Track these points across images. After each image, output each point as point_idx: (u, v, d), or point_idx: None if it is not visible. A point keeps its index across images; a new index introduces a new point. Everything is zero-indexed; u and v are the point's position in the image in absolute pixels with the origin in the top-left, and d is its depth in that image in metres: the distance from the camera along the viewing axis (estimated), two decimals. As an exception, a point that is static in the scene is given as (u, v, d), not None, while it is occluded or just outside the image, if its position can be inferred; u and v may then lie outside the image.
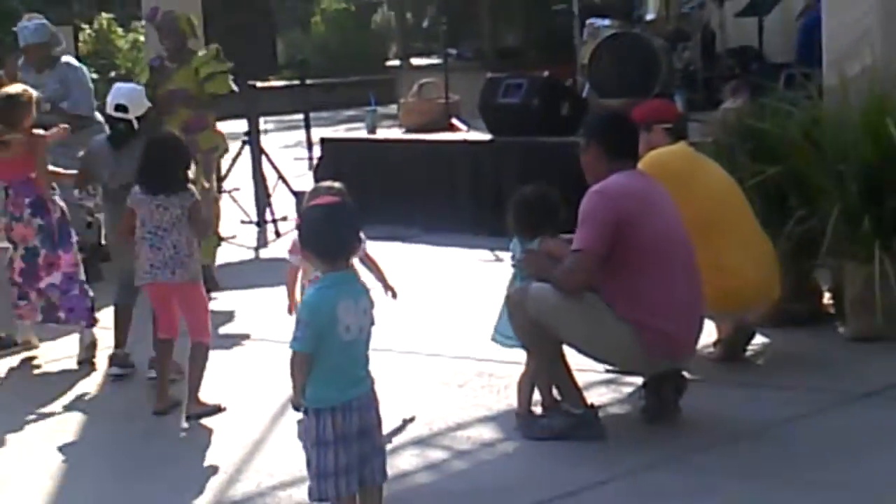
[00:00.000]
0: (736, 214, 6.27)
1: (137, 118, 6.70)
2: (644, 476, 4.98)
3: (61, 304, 7.21)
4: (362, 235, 6.40)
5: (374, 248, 9.92)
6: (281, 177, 11.94)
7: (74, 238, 7.33)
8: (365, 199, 11.26)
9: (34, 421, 6.21)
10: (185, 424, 5.95)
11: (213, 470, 5.37)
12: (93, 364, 7.06)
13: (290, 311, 5.99)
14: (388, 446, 5.39)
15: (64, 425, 6.12)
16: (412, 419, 5.80)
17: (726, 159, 6.76)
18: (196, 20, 9.78)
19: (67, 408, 6.41)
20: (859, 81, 6.56)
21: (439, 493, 4.97)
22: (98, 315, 7.28)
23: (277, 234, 11.08)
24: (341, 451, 4.21)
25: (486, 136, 10.59)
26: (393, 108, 12.58)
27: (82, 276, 7.29)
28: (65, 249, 7.21)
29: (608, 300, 5.36)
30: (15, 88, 7.38)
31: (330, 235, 4.30)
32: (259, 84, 12.51)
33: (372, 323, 4.37)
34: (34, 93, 7.39)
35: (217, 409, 6.07)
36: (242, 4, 11.31)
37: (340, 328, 4.21)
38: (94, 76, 15.22)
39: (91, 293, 7.27)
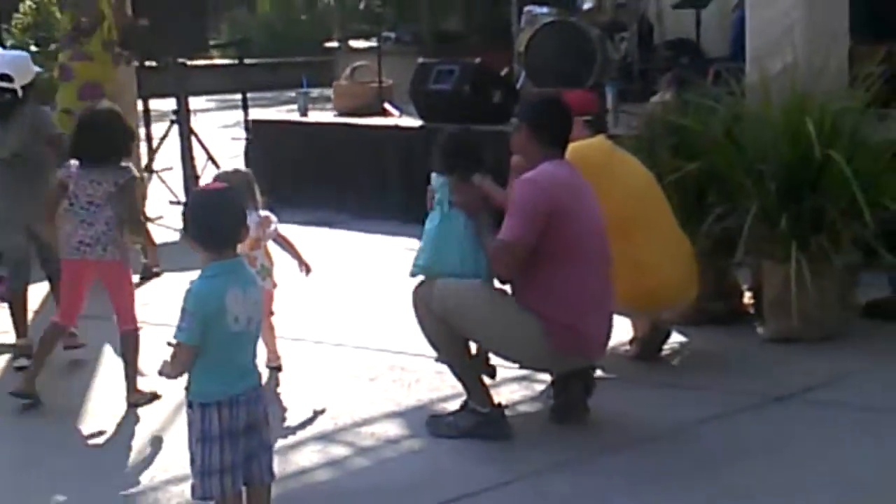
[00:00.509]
0: (654, 211, 6.17)
1: (23, 87, 6.47)
2: (549, 477, 4.87)
3: None
4: (272, 216, 6.34)
5: (300, 233, 9.94)
6: (210, 157, 11.74)
7: None
8: (296, 183, 11.22)
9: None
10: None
11: (109, 463, 5.22)
12: None
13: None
14: (289, 441, 5.35)
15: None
16: (322, 412, 5.68)
17: (647, 154, 6.66)
18: None
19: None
20: (781, 79, 6.46)
21: (338, 492, 4.84)
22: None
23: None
24: (227, 447, 4.06)
25: (417, 122, 10.44)
26: (332, 91, 12.40)
27: None
28: None
29: (519, 291, 5.26)
30: None
31: (214, 223, 4.13)
32: (191, 63, 12.36)
33: (262, 313, 4.22)
34: None
35: (154, 397, 5.87)
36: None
37: (229, 318, 4.05)
38: (35, 49, 14.99)
39: None
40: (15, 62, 6.59)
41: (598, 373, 6.01)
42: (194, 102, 19.58)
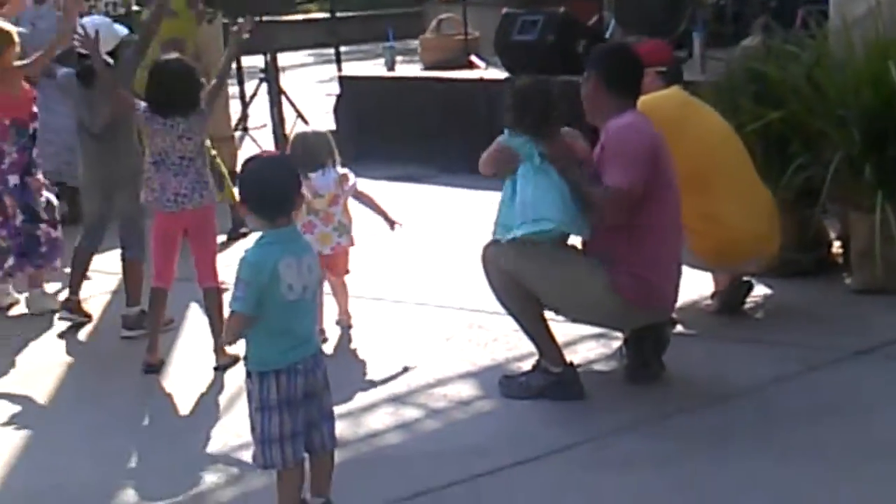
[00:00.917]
0: (731, 163, 6.02)
1: (108, 53, 6.46)
2: (613, 440, 4.81)
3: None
4: (350, 173, 6.33)
5: (385, 188, 9.95)
6: (299, 114, 11.77)
7: (14, 182, 7.00)
8: (384, 138, 11.18)
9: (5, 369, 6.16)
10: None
11: (185, 427, 5.28)
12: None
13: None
14: (363, 403, 5.34)
15: (37, 376, 6.03)
16: (397, 373, 5.67)
17: (728, 102, 6.50)
18: None
19: (37, 358, 6.33)
20: (864, 23, 6.24)
21: (405, 455, 4.83)
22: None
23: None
24: (286, 415, 4.06)
25: (502, 74, 10.33)
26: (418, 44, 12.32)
27: (18, 224, 7.01)
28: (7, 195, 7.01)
29: (596, 240, 5.16)
30: None
31: (267, 191, 4.11)
32: (281, 18, 12.37)
33: (319, 281, 4.20)
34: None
35: (236, 360, 5.78)
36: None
37: (283, 287, 4.03)
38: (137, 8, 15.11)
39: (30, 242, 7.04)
40: (98, 29, 6.59)
41: (678, 328, 5.96)
42: (292, 58, 19.86)
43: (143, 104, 5.99)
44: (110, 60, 6.47)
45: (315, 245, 6.09)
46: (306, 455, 4.17)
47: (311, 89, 15.14)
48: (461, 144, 10.45)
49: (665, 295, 5.23)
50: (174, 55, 6.35)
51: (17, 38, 7.01)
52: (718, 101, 6.47)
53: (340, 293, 6.41)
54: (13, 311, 7.14)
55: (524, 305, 5.25)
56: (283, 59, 19.54)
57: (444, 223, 8.63)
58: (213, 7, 9.15)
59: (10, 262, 7.02)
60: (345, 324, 6.38)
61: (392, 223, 6.33)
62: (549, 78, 5.55)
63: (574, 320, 5.48)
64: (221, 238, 7.72)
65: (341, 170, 6.32)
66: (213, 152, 8.54)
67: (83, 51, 6.44)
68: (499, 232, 5.31)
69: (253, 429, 4.12)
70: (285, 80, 16.91)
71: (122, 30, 6.74)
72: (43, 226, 7.08)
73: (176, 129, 5.91)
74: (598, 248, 5.17)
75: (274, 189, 4.13)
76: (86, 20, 6.65)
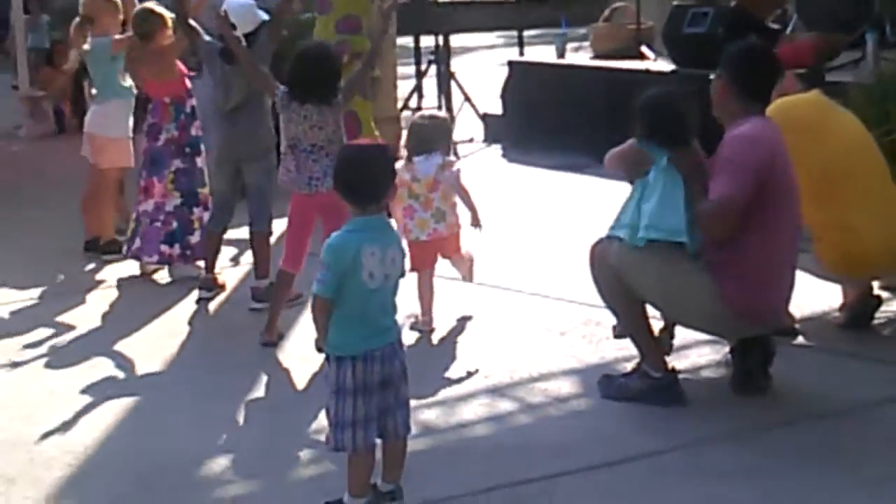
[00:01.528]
0: (866, 171, 5.80)
1: (246, 35, 6.58)
2: (702, 450, 4.69)
3: (144, 233, 7.23)
4: (454, 161, 6.34)
5: (544, 176, 9.93)
6: (467, 97, 11.84)
7: (175, 167, 7.24)
8: (551, 126, 11.15)
9: (133, 337, 6.33)
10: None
11: (287, 402, 5.37)
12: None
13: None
14: (460, 392, 5.36)
15: (161, 342, 6.22)
16: (502, 365, 5.65)
17: (878, 107, 6.27)
18: None
19: (169, 325, 6.51)
20: None
21: (488, 448, 4.80)
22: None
23: (457, 156, 10.96)
24: (360, 401, 4.10)
25: (669, 67, 10.16)
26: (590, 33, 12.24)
27: (171, 209, 7.24)
28: (159, 177, 7.25)
29: (707, 251, 5.05)
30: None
31: (362, 178, 4.15)
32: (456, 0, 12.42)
33: (402, 273, 4.22)
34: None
35: None
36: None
37: (364, 274, 4.07)
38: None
39: (183, 227, 7.22)
40: (237, 11, 6.71)
41: (799, 339, 5.80)
42: (480, 39, 19.97)
43: (281, 88, 6.09)
44: (243, 41, 6.55)
45: (414, 231, 6.20)
46: (379, 441, 4.21)
47: (493, 71, 15.13)
48: (624, 136, 10.33)
49: (772, 307, 5.08)
50: (318, 41, 6.47)
51: (169, 21, 7.24)
52: (867, 105, 6.25)
53: (426, 287, 6.29)
54: (156, 276, 7.38)
55: (628, 306, 5.18)
56: (470, 39, 19.86)
57: (589, 215, 8.52)
58: None
59: (153, 249, 7.20)
60: (427, 327, 6.28)
61: (478, 224, 6.26)
62: (676, 91, 5.40)
63: (677, 324, 5.37)
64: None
65: (449, 157, 6.33)
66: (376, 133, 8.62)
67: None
68: (620, 230, 5.24)
69: (328, 411, 4.17)
70: (464, 62, 17.16)
71: (263, 15, 6.80)
72: (197, 210, 7.28)
73: (309, 119, 5.98)
74: (707, 254, 5.05)
75: (365, 177, 4.17)
76: (229, 1, 6.79)
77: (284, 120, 6.07)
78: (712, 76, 5.31)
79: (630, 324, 5.23)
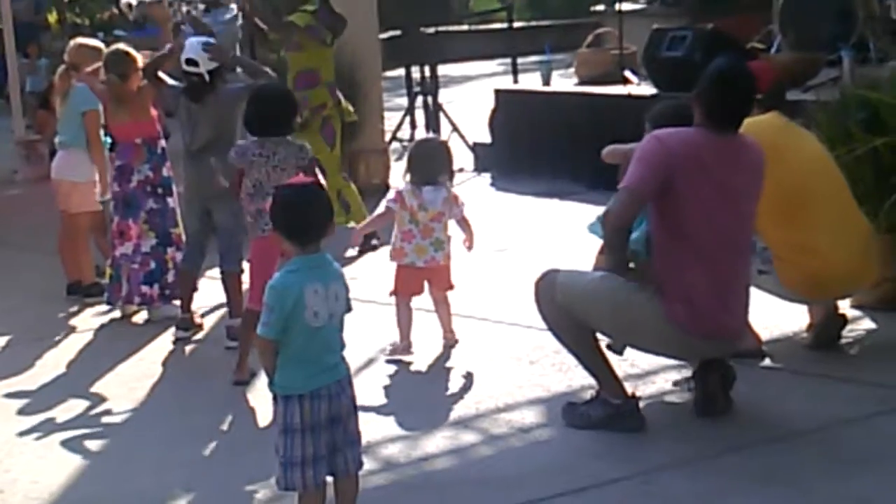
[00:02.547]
0: (826, 192, 5.82)
1: (209, 72, 6.67)
2: (664, 475, 4.71)
3: (129, 277, 7.26)
4: (460, 197, 6.39)
5: (525, 204, 9.96)
6: (455, 128, 11.88)
7: (149, 207, 7.27)
8: (536, 153, 11.18)
9: (109, 379, 6.35)
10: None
11: (252, 441, 5.38)
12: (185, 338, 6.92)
13: (351, 244, 6.57)
14: (424, 426, 5.37)
15: (135, 383, 6.25)
16: (467, 396, 5.68)
17: (839, 127, 6.29)
18: None
19: (143, 366, 6.53)
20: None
21: (448, 482, 4.82)
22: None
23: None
24: (308, 439, 4.13)
25: (650, 91, 10.20)
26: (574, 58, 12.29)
27: (147, 249, 7.28)
28: (134, 219, 7.28)
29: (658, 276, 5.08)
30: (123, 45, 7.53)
31: (298, 218, 4.19)
32: (445, 29, 12.48)
33: (347, 309, 4.25)
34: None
35: None
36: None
37: (308, 314, 4.11)
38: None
39: (160, 267, 7.26)
40: (199, 48, 6.79)
41: (767, 361, 5.81)
42: (475, 67, 20.03)
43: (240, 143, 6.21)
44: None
45: (410, 255, 6.26)
46: (331, 479, 4.24)
47: (487, 100, 15.20)
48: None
49: (722, 325, 5.07)
50: (273, 81, 6.65)
51: (140, 62, 7.30)
52: (830, 124, 6.27)
53: (443, 310, 6.46)
54: (135, 318, 7.43)
55: (578, 337, 5.21)
56: (468, 68, 19.95)
57: (570, 241, 8.55)
58: (337, 33, 9.04)
59: (134, 291, 7.25)
60: (450, 341, 6.43)
61: (470, 245, 6.44)
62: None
63: (632, 346, 5.39)
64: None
65: (453, 189, 6.39)
66: (344, 180, 8.70)
67: (188, 68, 6.67)
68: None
69: (276, 451, 4.19)
70: (462, 91, 17.24)
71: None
72: (170, 249, 7.33)
73: (271, 160, 5.98)
74: (652, 276, 5.07)
75: (304, 216, 4.20)
76: (192, 39, 6.89)
77: (247, 165, 6.04)
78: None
79: (582, 354, 5.25)
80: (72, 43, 7.97)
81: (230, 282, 6.72)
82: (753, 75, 5.35)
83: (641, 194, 4.99)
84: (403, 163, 6.73)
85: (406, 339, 6.32)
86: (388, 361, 6.25)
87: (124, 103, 7.24)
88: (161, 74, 6.93)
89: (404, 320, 6.33)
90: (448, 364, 6.19)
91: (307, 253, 4.19)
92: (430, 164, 6.36)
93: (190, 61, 6.69)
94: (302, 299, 4.11)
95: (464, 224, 6.45)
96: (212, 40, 6.97)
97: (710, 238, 4.98)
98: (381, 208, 6.44)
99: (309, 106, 8.40)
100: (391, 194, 6.38)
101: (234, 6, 9.96)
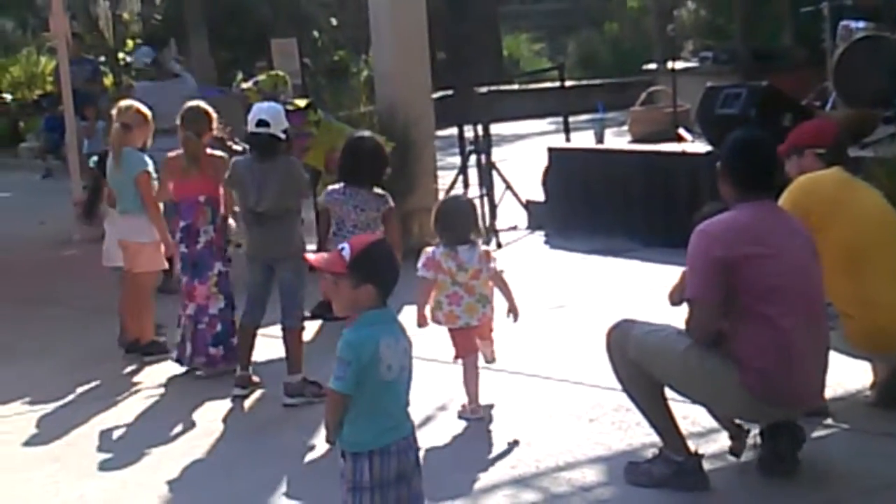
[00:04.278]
0: (890, 245, 5.77)
1: (283, 131, 6.84)
2: (726, 535, 4.66)
3: (192, 337, 7.33)
4: (492, 252, 6.40)
5: (581, 262, 9.94)
6: (509, 186, 11.90)
7: (218, 269, 7.38)
8: (590, 210, 11.18)
9: (169, 437, 6.40)
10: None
11: (309, 499, 5.39)
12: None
13: (420, 324, 6.21)
14: (485, 483, 5.35)
15: (194, 441, 6.28)
16: (528, 454, 5.64)
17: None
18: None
19: (204, 424, 6.56)
20: None
21: (510, 540, 4.81)
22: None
23: (499, 245, 10.99)
24: (378, 497, 4.11)
25: (705, 148, 10.18)
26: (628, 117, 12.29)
27: (215, 311, 7.36)
28: (201, 280, 7.35)
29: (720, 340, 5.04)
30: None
31: (379, 274, 4.18)
32: (496, 89, 12.53)
33: (411, 362, 4.24)
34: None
35: None
36: (468, 14, 11.35)
37: (382, 367, 4.10)
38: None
39: (227, 329, 7.31)
40: (270, 110, 6.91)
41: (828, 421, 5.74)
42: (529, 126, 20.10)
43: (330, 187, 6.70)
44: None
45: (463, 317, 6.26)
46: (393, 535, 4.21)
47: (540, 158, 15.24)
48: (664, 218, 10.37)
49: (798, 394, 5.02)
50: (367, 133, 7.00)
51: (216, 121, 7.44)
52: (889, 179, 6.23)
53: (472, 375, 6.35)
54: (198, 372, 7.46)
55: (647, 391, 5.18)
56: (521, 126, 20.01)
57: (626, 298, 8.53)
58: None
59: (200, 352, 7.34)
60: (475, 415, 6.30)
61: (515, 314, 6.34)
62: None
63: (701, 406, 5.34)
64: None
65: (483, 247, 6.41)
66: None
67: (259, 129, 6.79)
68: None
69: (345, 508, 4.18)
70: (515, 149, 17.27)
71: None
72: (237, 312, 7.33)
73: (353, 199, 6.59)
74: (727, 343, 5.02)
75: (384, 273, 4.20)
76: (260, 105, 7.00)
77: (332, 204, 6.69)
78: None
79: (648, 409, 5.22)
80: (123, 104, 8.03)
81: (291, 338, 6.75)
82: (772, 141, 5.36)
83: (711, 301, 4.96)
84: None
85: (475, 401, 6.30)
86: (461, 418, 6.26)
87: (196, 160, 7.34)
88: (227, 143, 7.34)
89: (472, 382, 6.32)
90: (507, 422, 6.16)
91: (380, 308, 4.20)
92: (460, 222, 6.34)
93: (262, 122, 6.80)
94: (377, 353, 4.10)
95: (499, 282, 6.38)
96: (278, 106, 7.09)
97: (783, 307, 4.92)
98: (421, 283, 6.31)
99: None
100: (421, 261, 6.31)
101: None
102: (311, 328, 7.70)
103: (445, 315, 6.30)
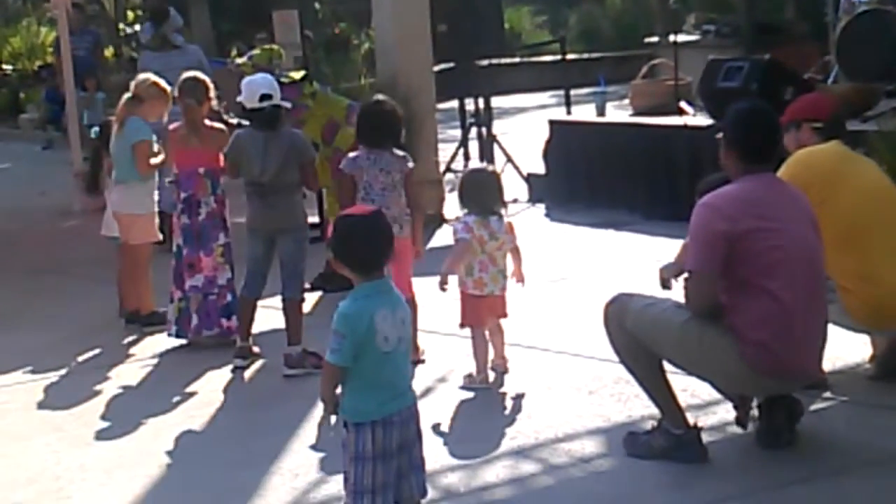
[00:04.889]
0: (889, 219, 5.78)
1: (283, 100, 6.87)
2: (723, 508, 4.68)
3: (198, 309, 7.33)
4: (513, 229, 6.39)
5: (581, 234, 9.93)
6: (509, 159, 11.89)
7: (222, 240, 7.38)
8: (591, 183, 11.18)
9: (169, 406, 6.40)
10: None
11: (311, 467, 5.40)
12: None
13: (442, 284, 6.33)
14: (484, 455, 5.36)
15: (194, 411, 6.29)
16: (527, 425, 5.66)
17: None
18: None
19: (203, 394, 6.56)
20: None
21: (509, 512, 4.83)
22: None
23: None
24: (379, 467, 4.13)
25: (707, 122, 10.16)
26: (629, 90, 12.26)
27: (223, 282, 7.36)
28: (206, 252, 7.34)
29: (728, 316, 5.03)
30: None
31: (363, 246, 4.19)
32: (498, 62, 12.48)
33: (410, 332, 4.25)
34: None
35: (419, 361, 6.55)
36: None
37: (379, 339, 4.11)
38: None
39: (236, 299, 7.25)
40: (266, 82, 6.91)
41: (828, 394, 5.75)
42: (531, 99, 20.07)
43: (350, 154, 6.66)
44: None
45: (490, 285, 6.29)
46: (394, 505, 4.23)
47: (541, 131, 15.22)
48: (663, 191, 10.36)
49: (797, 366, 5.02)
50: (381, 97, 6.99)
51: (212, 91, 7.43)
52: (890, 154, 6.22)
53: (498, 338, 6.46)
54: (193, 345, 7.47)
55: (646, 364, 5.18)
56: (522, 99, 19.98)
57: (626, 271, 8.53)
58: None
59: (213, 323, 7.33)
60: (501, 368, 6.43)
61: (522, 280, 6.45)
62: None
63: (699, 379, 5.35)
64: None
65: (507, 218, 6.42)
66: None
67: (262, 103, 6.78)
68: None
69: (346, 479, 4.19)
70: (515, 122, 17.25)
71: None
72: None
73: (378, 164, 6.55)
74: (726, 318, 5.02)
75: (367, 245, 4.20)
76: (253, 78, 7.00)
77: (357, 172, 6.59)
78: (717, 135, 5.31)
79: (647, 381, 5.22)
80: (141, 76, 8.02)
81: (291, 309, 6.76)
82: (775, 112, 5.35)
83: (711, 274, 4.96)
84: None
85: (484, 370, 6.33)
86: (463, 388, 6.29)
87: (196, 129, 7.33)
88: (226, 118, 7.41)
89: (481, 351, 6.36)
90: (507, 394, 6.18)
91: (371, 279, 4.20)
92: (486, 193, 6.39)
93: (265, 96, 6.80)
94: (373, 325, 4.11)
95: (515, 254, 6.48)
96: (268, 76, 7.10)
97: (784, 280, 4.92)
98: (456, 244, 6.36)
99: (342, 150, 8.44)
100: (459, 225, 6.37)
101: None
102: (310, 300, 7.71)
103: (475, 281, 6.35)
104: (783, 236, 4.96)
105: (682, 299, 5.14)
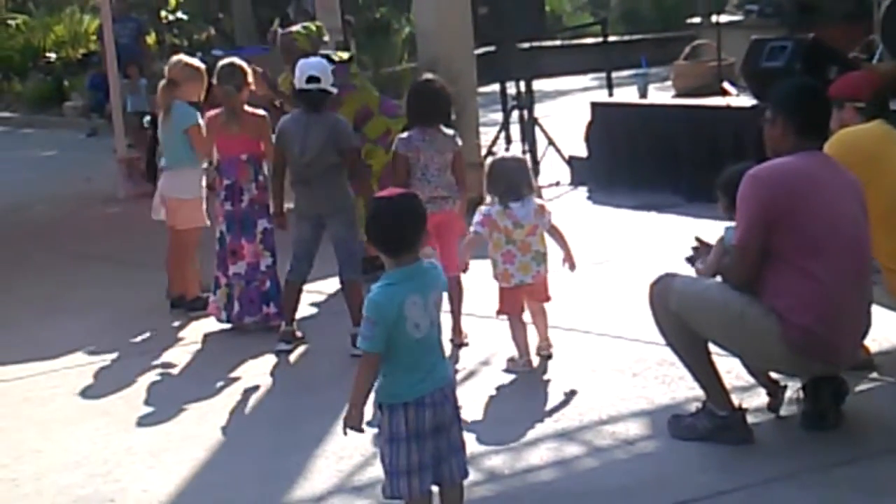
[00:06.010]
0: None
1: (332, 85, 6.89)
2: (768, 489, 4.66)
3: (240, 296, 7.37)
4: (546, 206, 6.39)
5: (623, 217, 9.91)
6: (551, 142, 11.86)
7: (263, 227, 7.39)
8: (633, 165, 11.14)
9: (214, 390, 6.45)
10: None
11: (353, 451, 5.42)
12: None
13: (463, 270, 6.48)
14: (529, 437, 5.37)
15: (238, 395, 6.34)
16: (571, 408, 5.66)
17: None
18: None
19: (248, 378, 6.60)
20: None
21: (552, 493, 4.84)
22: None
23: (541, 199, 10.94)
24: (414, 448, 4.15)
25: (749, 102, 10.10)
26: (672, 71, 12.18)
27: (264, 268, 7.38)
28: (248, 238, 7.38)
29: (761, 292, 5.01)
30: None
31: (393, 230, 4.20)
32: (539, 45, 12.43)
33: (440, 314, 4.26)
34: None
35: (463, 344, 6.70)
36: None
37: (409, 326, 4.13)
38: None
39: (276, 286, 7.30)
40: (319, 66, 6.93)
41: (873, 374, 5.72)
42: (572, 81, 20.00)
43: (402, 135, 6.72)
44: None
45: (517, 275, 6.28)
46: (436, 489, 4.25)
47: (583, 114, 15.17)
48: (708, 173, 10.28)
49: (841, 347, 4.99)
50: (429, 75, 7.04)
51: (250, 76, 7.46)
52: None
53: (541, 321, 6.46)
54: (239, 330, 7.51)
55: (690, 345, 5.16)
56: (564, 82, 19.91)
57: (669, 254, 8.47)
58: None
59: (254, 310, 7.36)
60: (545, 350, 6.43)
61: (572, 265, 6.40)
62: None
63: (742, 360, 5.33)
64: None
65: (538, 200, 6.39)
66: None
67: (309, 85, 6.82)
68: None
69: (382, 460, 4.22)
70: (558, 105, 17.19)
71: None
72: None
73: (433, 145, 6.63)
74: (765, 297, 5.00)
75: (399, 228, 4.21)
76: (306, 61, 7.01)
77: (413, 152, 6.63)
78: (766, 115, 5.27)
79: (692, 362, 5.21)
80: (173, 59, 8.09)
81: (351, 290, 6.77)
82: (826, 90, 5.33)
83: (755, 248, 4.94)
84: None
85: (526, 354, 6.33)
86: (506, 371, 6.30)
87: (237, 116, 7.36)
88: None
89: (520, 336, 6.35)
90: (550, 376, 6.18)
91: (402, 265, 4.20)
92: (511, 179, 6.34)
93: (312, 78, 6.82)
94: (402, 312, 4.13)
95: (556, 234, 6.43)
96: (325, 61, 7.10)
97: (829, 260, 4.90)
98: (469, 234, 6.39)
99: (369, 138, 8.44)
100: (477, 217, 6.36)
101: None
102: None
103: (500, 274, 6.35)
104: (827, 212, 4.93)
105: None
